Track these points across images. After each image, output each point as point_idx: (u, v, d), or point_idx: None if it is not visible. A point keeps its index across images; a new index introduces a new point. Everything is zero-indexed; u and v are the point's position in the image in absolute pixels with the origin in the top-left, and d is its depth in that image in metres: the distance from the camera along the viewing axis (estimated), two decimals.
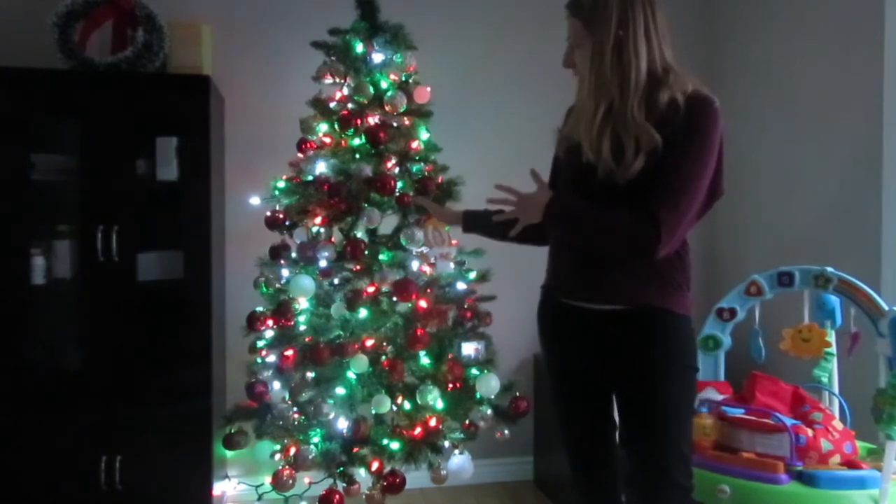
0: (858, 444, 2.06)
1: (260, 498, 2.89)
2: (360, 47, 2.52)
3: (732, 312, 2.30)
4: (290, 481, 2.39)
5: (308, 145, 2.55)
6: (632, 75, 1.52)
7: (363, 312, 2.37)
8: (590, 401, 1.71)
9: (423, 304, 2.38)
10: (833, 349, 2.22)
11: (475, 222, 1.96)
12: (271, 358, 2.49)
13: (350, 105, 2.52)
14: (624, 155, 1.49)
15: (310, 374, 2.37)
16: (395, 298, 2.34)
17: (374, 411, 2.35)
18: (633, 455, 1.60)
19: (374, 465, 2.36)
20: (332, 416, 2.32)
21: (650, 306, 1.55)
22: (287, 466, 2.38)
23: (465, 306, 2.49)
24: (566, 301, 1.66)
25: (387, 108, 2.49)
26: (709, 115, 1.49)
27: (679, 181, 1.46)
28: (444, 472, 2.45)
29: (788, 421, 2.00)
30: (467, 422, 2.43)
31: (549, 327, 1.75)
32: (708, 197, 1.54)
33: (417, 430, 2.35)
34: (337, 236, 2.49)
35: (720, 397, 2.20)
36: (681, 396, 1.58)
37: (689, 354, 1.60)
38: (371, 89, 2.49)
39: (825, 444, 1.97)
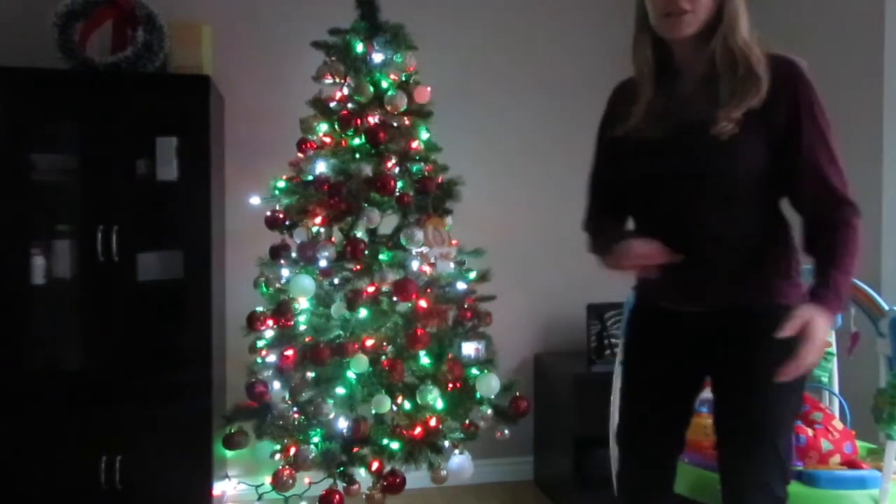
0: (858, 443, 2.06)
1: (260, 498, 2.89)
2: (360, 47, 2.52)
3: None
4: (290, 481, 2.39)
5: (308, 145, 2.55)
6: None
7: (363, 312, 2.37)
8: (670, 410, 1.61)
9: (423, 304, 2.38)
10: (833, 349, 2.22)
11: None
12: (271, 358, 2.49)
13: (350, 105, 2.52)
14: None
15: (310, 374, 2.37)
16: (395, 298, 2.34)
17: (374, 411, 2.35)
18: (731, 469, 1.50)
19: (374, 465, 2.36)
20: (332, 416, 2.31)
21: (749, 303, 1.46)
22: (287, 466, 2.38)
23: (465, 306, 2.49)
24: (663, 305, 1.57)
25: (387, 108, 2.49)
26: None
27: None
28: (444, 472, 2.45)
29: None
30: (467, 422, 2.43)
31: (642, 333, 1.66)
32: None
33: (417, 430, 2.35)
34: (337, 236, 2.49)
35: None
36: (786, 401, 1.46)
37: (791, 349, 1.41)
38: (371, 89, 2.49)
39: (825, 444, 1.97)
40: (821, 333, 1.32)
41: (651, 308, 1.61)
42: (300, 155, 2.56)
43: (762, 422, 1.45)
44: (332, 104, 2.54)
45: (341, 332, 2.38)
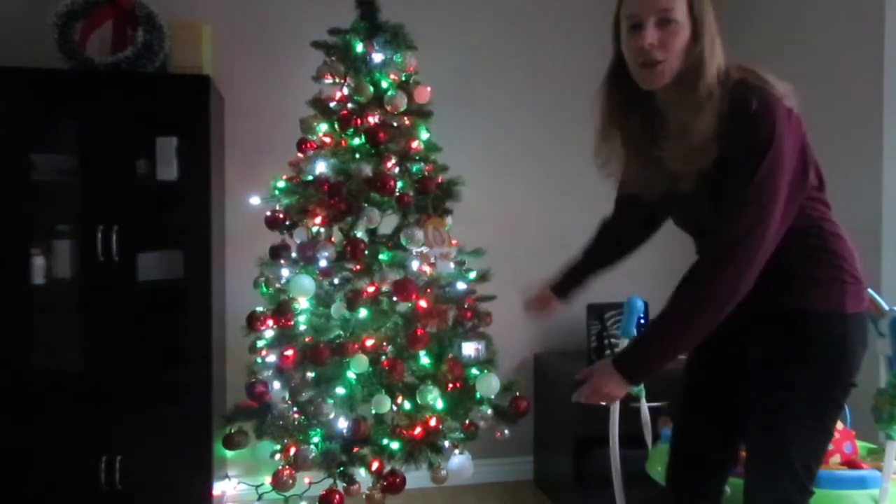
0: (858, 443, 2.06)
1: (260, 498, 2.89)
2: (360, 47, 2.52)
3: None
4: (290, 481, 2.39)
5: (308, 145, 2.54)
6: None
7: (363, 312, 2.37)
8: (713, 420, 1.62)
9: (423, 304, 2.38)
10: None
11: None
12: (271, 358, 2.49)
13: (350, 105, 2.52)
14: None
15: (310, 374, 2.37)
16: (395, 298, 2.33)
17: (374, 411, 2.35)
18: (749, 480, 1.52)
19: (374, 465, 2.36)
20: (332, 416, 2.31)
21: (774, 308, 1.44)
22: (287, 466, 2.38)
23: (465, 306, 2.49)
24: None
25: (387, 108, 2.49)
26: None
27: None
28: (444, 472, 2.45)
29: None
30: (467, 422, 2.42)
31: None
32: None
33: (417, 430, 2.35)
34: (337, 236, 2.49)
35: None
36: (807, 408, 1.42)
37: (822, 358, 1.41)
38: (371, 89, 2.49)
39: None
40: (603, 388, 1.38)
41: None
42: (300, 155, 2.56)
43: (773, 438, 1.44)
44: (332, 104, 2.54)
45: (341, 332, 2.38)
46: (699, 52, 1.38)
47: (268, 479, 2.47)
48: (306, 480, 2.58)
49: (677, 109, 1.40)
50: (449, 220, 2.58)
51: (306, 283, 2.34)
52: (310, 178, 2.48)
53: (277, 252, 2.52)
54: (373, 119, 2.51)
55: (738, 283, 1.32)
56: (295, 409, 2.40)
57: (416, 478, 2.54)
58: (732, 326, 1.40)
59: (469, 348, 2.45)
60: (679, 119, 1.38)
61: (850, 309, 1.43)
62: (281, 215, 2.51)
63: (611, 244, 1.86)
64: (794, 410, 1.42)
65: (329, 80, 2.55)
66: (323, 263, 2.39)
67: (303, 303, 2.44)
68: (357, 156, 2.49)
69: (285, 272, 2.50)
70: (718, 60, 1.39)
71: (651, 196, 1.53)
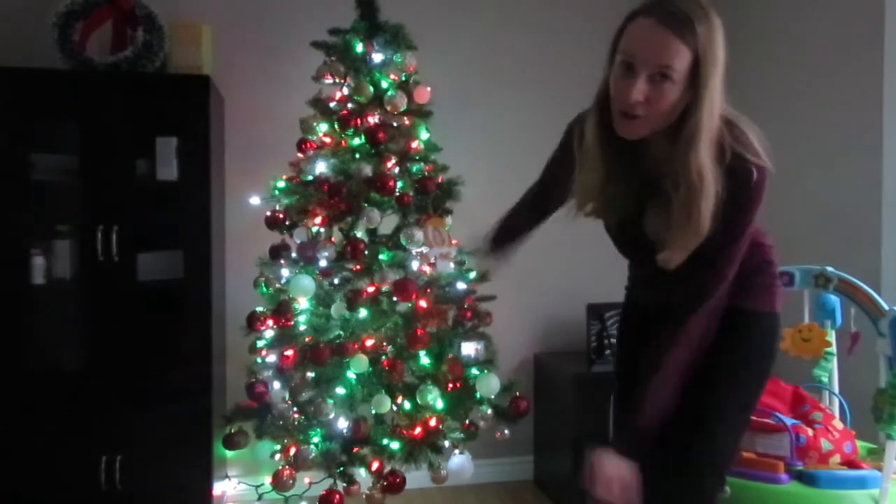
0: (859, 443, 2.06)
1: (260, 498, 2.89)
2: (360, 47, 2.52)
3: None
4: (291, 481, 2.39)
5: (308, 145, 2.55)
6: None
7: (363, 312, 2.37)
8: None
9: (423, 304, 2.38)
10: (833, 349, 2.22)
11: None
12: (271, 358, 2.49)
13: (350, 105, 2.52)
14: None
15: (310, 374, 2.37)
16: (395, 298, 2.34)
17: (374, 411, 2.35)
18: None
19: (374, 465, 2.36)
20: (332, 416, 2.31)
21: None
22: (287, 466, 2.38)
23: (465, 306, 2.49)
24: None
25: (387, 108, 2.49)
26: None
27: None
28: (444, 472, 2.45)
29: (789, 420, 2.00)
30: (467, 422, 2.42)
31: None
32: None
33: (417, 430, 2.35)
34: (337, 236, 2.49)
35: None
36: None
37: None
38: (371, 89, 2.49)
39: (825, 444, 1.97)
40: (607, 472, 1.40)
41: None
42: (300, 155, 2.56)
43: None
44: (332, 104, 2.54)
45: (341, 332, 2.38)
46: (695, 122, 1.27)
47: (268, 479, 2.48)
48: (306, 480, 2.58)
49: (670, 176, 1.32)
50: (449, 220, 2.58)
51: (306, 283, 2.34)
52: (310, 178, 2.48)
53: (277, 252, 2.52)
54: (373, 119, 2.51)
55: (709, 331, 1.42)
56: (295, 409, 2.40)
57: (416, 478, 2.54)
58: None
59: (469, 348, 2.45)
60: (682, 198, 1.30)
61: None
62: (281, 215, 2.51)
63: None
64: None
65: (329, 80, 2.55)
66: (323, 263, 2.39)
67: (303, 303, 2.44)
68: (357, 156, 2.49)
69: (285, 272, 2.50)
70: (713, 128, 1.29)
71: (604, 219, 1.51)
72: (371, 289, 2.36)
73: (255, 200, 2.74)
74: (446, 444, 2.41)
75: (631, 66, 1.27)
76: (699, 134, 1.27)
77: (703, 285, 1.40)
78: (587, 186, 1.45)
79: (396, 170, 2.50)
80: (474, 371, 2.45)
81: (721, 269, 1.40)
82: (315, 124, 2.56)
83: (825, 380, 2.22)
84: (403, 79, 2.57)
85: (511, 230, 1.89)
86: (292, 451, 2.38)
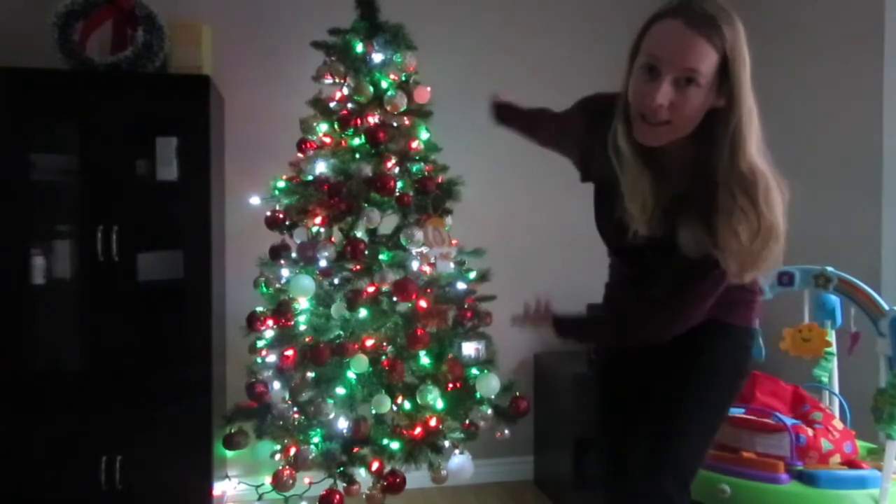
0: (858, 443, 2.07)
1: (260, 498, 2.89)
2: (360, 47, 2.52)
3: None
4: (291, 481, 2.39)
5: (308, 145, 2.55)
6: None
7: (363, 312, 2.37)
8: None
9: (423, 304, 2.38)
10: (833, 349, 2.22)
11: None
12: (271, 358, 2.49)
13: (350, 105, 2.52)
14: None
15: (310, 374, 2.37)
16: (395, 298, 2.34)
17: (374, 411, 2.35)
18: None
19: (375, 465, 2.36)
20: (332, 416, 2.31)
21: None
22: (287, 466, 2.38)
23: (465, 306, 2.49)
24: None
25: (387, 108, 2.49)
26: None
27: None
28: (444, 472, 2.45)
29: (789, 420, 2.01)
30: (467, 422, 2.42)
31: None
32: None
33: (417, 430, 2.35)
34: (337, 236, 2.49)
35: None
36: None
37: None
38: (371, 89, 2.49)
39: (825, 444, 1.97)
40: (539, 326, 1.58)
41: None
42: (300, 155, 2.56)
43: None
44: (332, 104, 2.54)
45: (341, 332, 2.38)
46: (735, 124, 1.23)
47: (268, 480, 2.48)
48: (306, 480, 2.58)
49: (720, 185, 1.26)
50: (449, 220, 2.58)
51: (306, 283, 2.34)
52: (310, 178, 2.48)
53: (277, 252, 2.52)
54: (373, 119, 2.51)
55: (677, 330, 1.42)
56: (295, 409, 2.40)
57: (416, 478, 2.54)
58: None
59: (469, 348, 2.45)
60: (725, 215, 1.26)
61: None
62: (281, 215, 2.51)
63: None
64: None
65: (329, 80, 2.55)
66: (323, 263, 2.39)
67: (303, 303, 2.44)
68: (357, 156, 2.49)
69: (285, 272, 2.50)
70: (756, 127, 1.26)
71: (635, 224, 1.41)
72: (371, 289, 2.36)
73: (255, 200, 2.73)
74: (446, 444, 2.41)
75: (654, 68, 1.23)
76: (742, 133, 1.24)
77: (686, 306, 1.40)
78: (643, 191, 1.36)
79: (396, 170, 2.50)
80: (474, 371, 2.45)
81: (705, 290, 1.38)
82: (315, 124, 2.56)
83: (825, 380, 2.22)
84: (403, 79, 2.57)
85: (518, 117, 1.87)
86: (292, 451, 2.37)
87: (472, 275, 2.54)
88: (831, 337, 2.23)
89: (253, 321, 2.48)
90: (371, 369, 2.34)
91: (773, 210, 1.27)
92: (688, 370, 1.49)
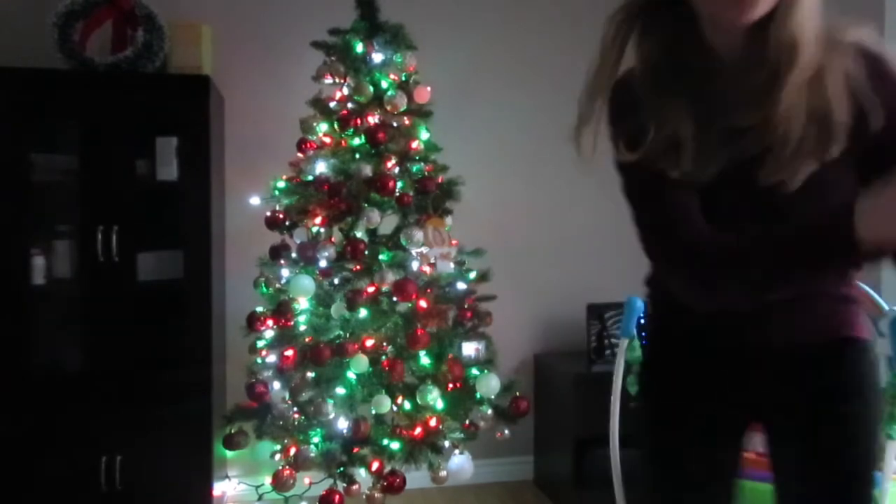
0: None
1: (260, 498, 2.89)
2: (360, 47, 2.52)
3: None
4: (291, 481, 2.39)
5: (308, 145, 2.55)
6: None
7: (363, 312, 2.37)
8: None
9: (423, 304, 2.38)
10: None
11: None
12: (271, 358, 2.49)
13: (350, 105, 2.52)
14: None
15: (310, 374, 2.37)
16: (395, 298, 2.34)
17: (374, 411, 2.35)
18: None
19: (374, 465, 2.36)
20: (332, 416, 2.32)
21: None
22: (287, 466, 2.38)
23: (465, 306, 2.49)
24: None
25: (387, 108, 2.49)
26: None
27: None
28: (444, 472, 2.45)
29: None
30: (467, 422, 2.43)
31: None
32: None
33: (417, 430, 2.35)
34: (337, 236, 2.49)
35: None
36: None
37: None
38: (371, 89, 2.49)
39: None
40: None
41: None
42: (300, 155, 2.56)
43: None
44: (332, 104, 2.54)
45: (341, 332, 2.38)
46: None
47: (268, 480, 2.47)
48: (306, 481, 2.58)
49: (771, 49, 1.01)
50: (449, 220, 2.58)
51: (306, 283, 2.34)
52: (310, 178, 2.49)
53: (277, 252, 2.52)
54: (373, 119, 2.51)
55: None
56: (295, 409, 2.41)
57: (416, 478, 2.54)
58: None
59: (469, 348, 2.45)
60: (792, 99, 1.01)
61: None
62: (281, 215, 2.51)
63: None
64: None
65: (329, 80, 2.55)
66: (323, 263, 2.39)
67: (303, 303, 2.45)
68: (357, 156, 2.49)
69: (285, 272, 2.50)
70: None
71: (696, 174, 1.05)
72: (371, 289, 2.36)
73: (255, 200, 2.74)
74: (446, 444, 2.41)
75: None
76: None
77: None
78: (679, 131, 1.05)
79: (396, 170, 2.50)
80: (474, 371, 2.45)
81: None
82: (315, 124, 2.56)
83: None
84: (403, 79, 2.57)
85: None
86: (292, 451, 2.38)
87: (472, 275, 2.54)
88: None
89: (253, 321, 2.48)
90: (371, 369, 2.34)
91: (790, 87, 1.04)
92: (848, 402, 1.16)
